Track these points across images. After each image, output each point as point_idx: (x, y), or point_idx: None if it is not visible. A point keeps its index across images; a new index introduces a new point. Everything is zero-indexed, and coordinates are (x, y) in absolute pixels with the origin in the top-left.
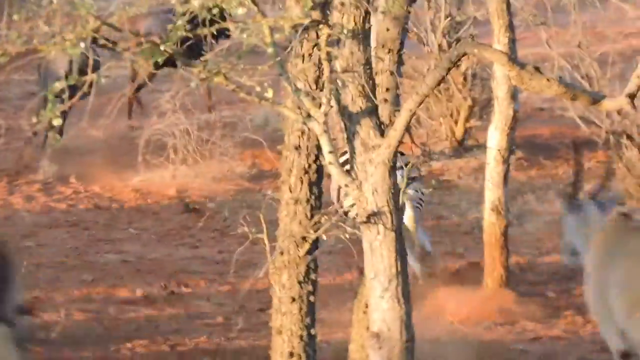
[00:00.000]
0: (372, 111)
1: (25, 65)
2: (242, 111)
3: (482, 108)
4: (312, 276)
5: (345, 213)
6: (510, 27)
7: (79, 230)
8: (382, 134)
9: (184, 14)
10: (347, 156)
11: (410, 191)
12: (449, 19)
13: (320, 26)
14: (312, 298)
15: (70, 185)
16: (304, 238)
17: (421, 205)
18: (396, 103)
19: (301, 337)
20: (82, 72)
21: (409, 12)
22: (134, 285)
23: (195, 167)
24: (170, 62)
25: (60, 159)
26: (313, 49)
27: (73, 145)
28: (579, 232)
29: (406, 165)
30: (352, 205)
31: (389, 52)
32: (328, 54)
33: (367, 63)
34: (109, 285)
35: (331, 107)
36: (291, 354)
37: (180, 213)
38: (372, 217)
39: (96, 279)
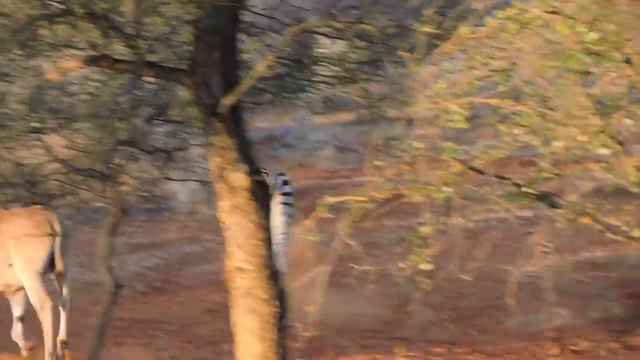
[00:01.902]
0: None
1: (396, 210)
2: (615, 251)
3: None
4: None
5: None
6: None
7: None
8: None
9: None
10: None
11: None
12: None
13: None
14: None
15: (446, 329)
16: None
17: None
18: None
19: None
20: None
21: None
22: None
23: (572, 308)
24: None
25: (435, 302)
26: None
27: (446, 288)
28: None
29: None
30: None
31: None
32: None
33: None
34: None
35: None
36: None
37: None
38: None
39: None
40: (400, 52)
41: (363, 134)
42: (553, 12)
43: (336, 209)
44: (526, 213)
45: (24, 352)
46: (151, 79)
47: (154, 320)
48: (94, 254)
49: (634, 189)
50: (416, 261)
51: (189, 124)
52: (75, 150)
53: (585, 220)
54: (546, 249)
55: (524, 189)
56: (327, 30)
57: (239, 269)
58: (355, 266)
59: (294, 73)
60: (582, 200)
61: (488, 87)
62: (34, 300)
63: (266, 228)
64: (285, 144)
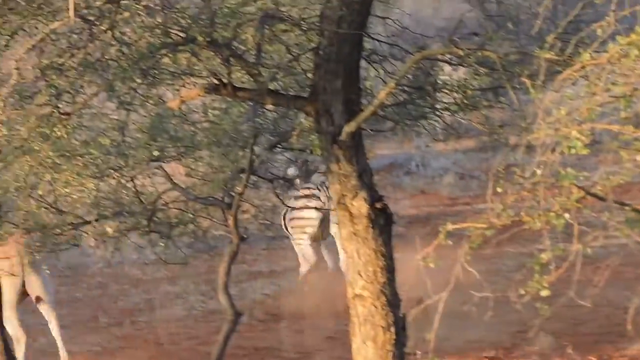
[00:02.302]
0: None
1: (516, 237)
2: None
3: None
4: None
5: None
6: None
7: None
8: None
9: None
10: None
11: None
12: None
13: None
14: None
15: (566, 355)
16: None
17: None
18: None
19: None
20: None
21: None
22: None
23: None
24: None
25: (555, 329)
26: None
27: (566, 315)
28: None
29: None
30: None
31: None
32: None
33: None
34: None
35: None
36: None
37: None
38: None
39: None
40: (521, 79)
41: (484, 161)
42: None
43: (456, 235)
44: None
45: None
46: (272, 107)
47: (273, 348)
48: (213, 282)
49: None
50: (536, 287)
51: (310, 151)
52: (196, 178)
53: None
54: None
55: None
56: (448, 57)
57: (359, 296)
58: (475, 293)
59: (416, 100)
60: None
61: (609, 113)
62: (10, 331)
63: (385, 255)
64: (407, 171)
